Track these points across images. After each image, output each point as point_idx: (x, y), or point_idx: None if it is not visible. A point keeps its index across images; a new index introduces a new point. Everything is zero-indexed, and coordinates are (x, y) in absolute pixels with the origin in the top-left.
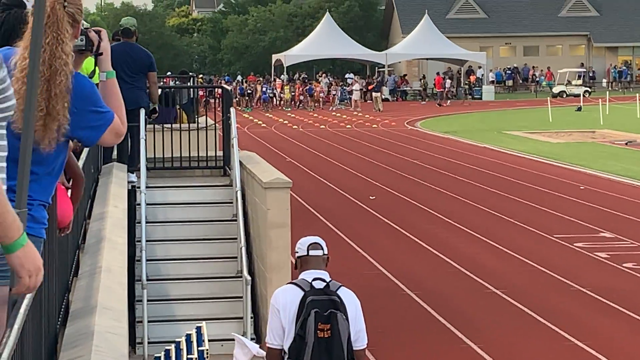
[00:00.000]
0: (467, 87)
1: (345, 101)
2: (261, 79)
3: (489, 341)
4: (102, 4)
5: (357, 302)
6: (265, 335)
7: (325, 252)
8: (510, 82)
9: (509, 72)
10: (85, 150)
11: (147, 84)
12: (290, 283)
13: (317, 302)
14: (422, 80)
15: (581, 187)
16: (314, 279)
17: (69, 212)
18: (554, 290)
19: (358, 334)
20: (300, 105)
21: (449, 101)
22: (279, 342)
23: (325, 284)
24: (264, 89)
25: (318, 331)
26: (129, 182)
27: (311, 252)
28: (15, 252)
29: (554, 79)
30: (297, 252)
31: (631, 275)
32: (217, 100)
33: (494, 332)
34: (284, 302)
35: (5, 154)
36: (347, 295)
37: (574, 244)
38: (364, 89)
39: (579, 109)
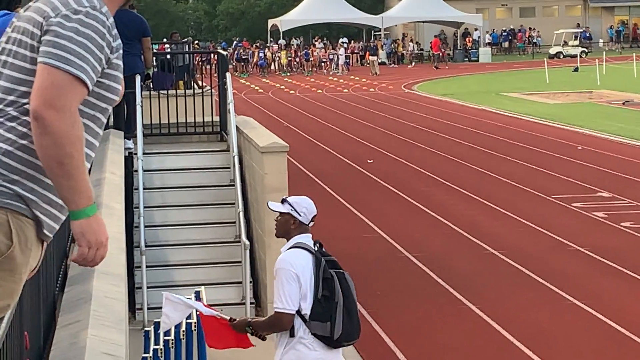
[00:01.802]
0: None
1: (341, 66)
2: (257, 44)
3: (487, 302)
4: None
5: None
6: (267, 300)
7: None
8: (506, 44)
9: (505, 34)
10: None
11: (142, 50)
12: (297, 247)
13: (329, 263)
14: (410, 44)
15: (579, 148)
16: (313, 243)
17: None
18: (552, 251)
19: None
20: (297, 70)
21: (447, 65)
22: (295, 307)
23: (319, 245)
24: (260, 55)
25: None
26: (125, 148)
27: (311, 224)
28: (79, 219)
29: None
30: (300, 216)
31: (629, 234)
32: (212, 66)
33: (492, 293)
34: (301, 266)
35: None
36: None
37: (572, 204)
38: (360, 53)
39: (576, 69)
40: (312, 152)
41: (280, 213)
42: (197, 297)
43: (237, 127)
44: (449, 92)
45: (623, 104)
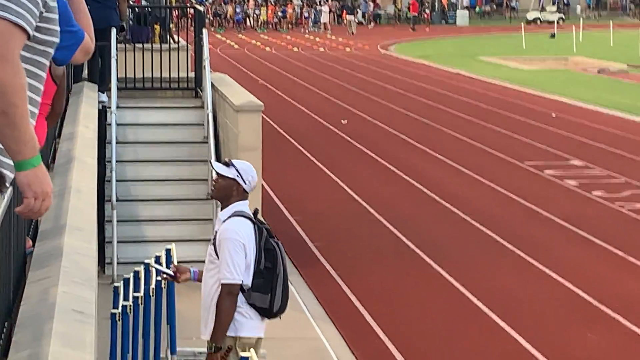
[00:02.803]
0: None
1: (319, 24)
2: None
3: (456, 267)
4: None
5: None
6: None
7: None
8: (487, 8)
9: None
10: None
11: (117, 2)
12: (239, 216)
13: (269, 232)
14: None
15: (553, 115)
16: (252, 212)
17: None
18: (523, 218)
19: None
20: (273, 26)
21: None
22: (241, 277)
23: (256, 212)
24: (237, 10)
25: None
26: (99, 102)
27: (251, 191)
28: (24, 170)
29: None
30: (245, 184)
31: (600, 203)
32: (189, 21)
33: (462, 258)
34: (247, 236)
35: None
36: None
37: (544, 172)
38: (338, 13)
39: (553, 35)
40: (286, 111)
41: (225, 176)
42: (168, 253)
43: (212, 84)
44: (425, 55)
45: (598, 72)
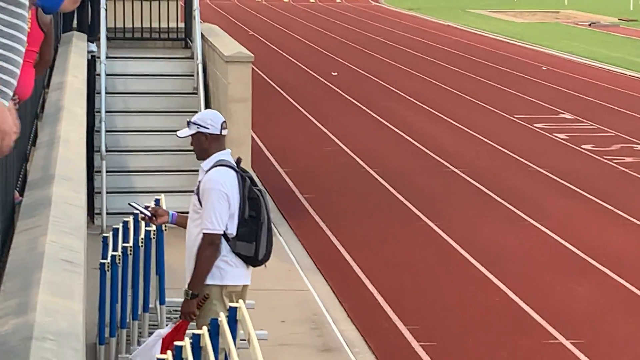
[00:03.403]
0: None
1: None
2: None
3: (446, 219)
4: None
5: None
6: None
7: None
8: None
9: None
10: None
11: None
12: (221, 166)
13: (252, 180)
14: None
15: (543, 68)
16: (235, 160)
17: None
18: (512, 170)
19: None
20: None
21: None
22: (224, 227)
23: (239, 162)
24: None
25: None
26: (88, 52)
27: (223, 132)
28: None
29: None
30: (208, 129)
31: (589, 157)
32: None
33: (451, 211)
34: (230, 185)
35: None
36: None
37: (534, 125)
38: None
39: None
40: (276, 63)
41: (191, 136)
42: (157, 204)
43: (202, 34)
44: (416, 7)
45: (589, 25)
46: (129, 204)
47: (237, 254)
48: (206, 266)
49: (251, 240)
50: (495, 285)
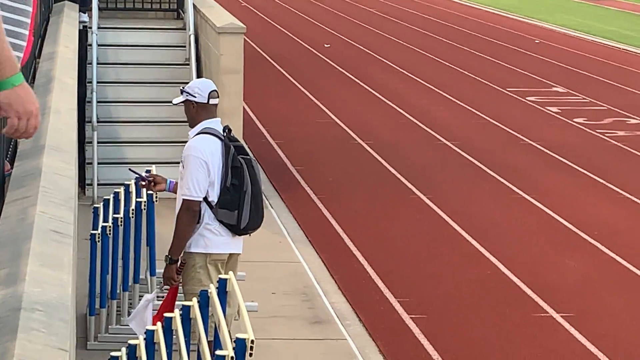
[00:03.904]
0: None
1: None
2: None
3: (438, 192)
4: None
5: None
6: None
7: (219, 98)
8: None
9: None
10: None
11: None
12: (205, 133)
13: (237, 149)
14: None
15: (536, 41)
16: (222, 128)
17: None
18: (504, 144)
19: None
20: None
21: None
22: (203, 194)
23: (228, 130)
24: None
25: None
26: (80, 22)
27: (211, 101)
28: (4, 90)
29: None
30: (195, 97)
31: (581, 130)
32: None
33: (443, 184)
34: (210, 153)
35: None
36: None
37: (527, 98)
38: None
39: None
40: (269, 34)
41: (182, 103)
42: (148, 172)
43: (194, 5)
44: None
45: None
46: (129, 169)
47: (221, 222)
48: (183, 232)
49: (233, 209)
50: (487, 258)
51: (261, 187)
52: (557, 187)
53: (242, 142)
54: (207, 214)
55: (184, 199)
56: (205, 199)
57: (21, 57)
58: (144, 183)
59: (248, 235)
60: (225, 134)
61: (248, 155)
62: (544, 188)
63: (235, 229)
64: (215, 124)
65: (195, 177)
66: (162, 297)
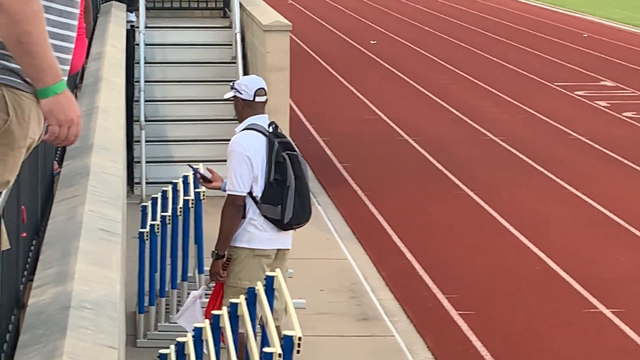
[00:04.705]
0: None
1: None
2: None
3: (485, 188)
4: None
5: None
6: None
7: (267, 96)
8: None
9: None
10: None
11: None
12: (248, 129)
13: (282, 145)
14: None
15: (584, 35)
16: (267, 124)
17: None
18: (553, 139)
19: None
20: None
21: None
22: (247, 190)
23: (274, 126)
24: None
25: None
26: (127, 21)
27: (257, 99)
28: (46, 97)
29: None
30: (242, 94)
31: (631, 124)
32: None
33: (490, 180)
34: (253, 149)
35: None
36: (288, 138)
37: (575, 92)
38: None
39: None
40: (315, 31)
41: (231, 99)
42: (195, 173)
43: (240, 3)
44: None
45: None
46: (188, 165)
47: (265, 217)
48: (228, 226)
49: (276, 203)
50: (535, 253)
51: (308, 183)
52: (606, 181)
53: (289, 138)
54: (251, 209)
55: (228, 194)
56: (250, 194)
57: (67, 70)
58: (201, 180)
59: (293, 230)
60: (271, 130)
61: (295, 151)
62: (592, 182)
63: (280, 224)
64: (262, 120)
65: (238, 172)
66: (209, 294)
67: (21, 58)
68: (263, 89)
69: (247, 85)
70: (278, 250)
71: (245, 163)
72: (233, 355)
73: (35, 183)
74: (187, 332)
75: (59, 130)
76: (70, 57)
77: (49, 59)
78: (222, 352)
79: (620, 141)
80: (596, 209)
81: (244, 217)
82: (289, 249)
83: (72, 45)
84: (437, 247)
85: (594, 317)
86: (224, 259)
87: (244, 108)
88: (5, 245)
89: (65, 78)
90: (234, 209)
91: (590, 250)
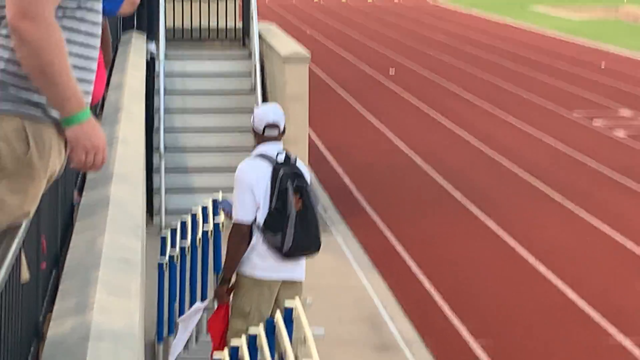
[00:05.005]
0: None
1: None
2: None
3: (503, 217)
4: None
5: (309, 174)
6: None
7: (282, 129)
8: None
9: None
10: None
11: None
12: (257, 157)
13: (288, 175)
14: None
15: (602, 65)
16: (277, 153)
17: (101, 90)
18: (571, 168)
19: None
20: None
21: None
22: (251, 218)
23: (285, 156)
24: None
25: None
26: (148, 51)
27: (267, 133)
28: (71, 125)
29: None
30: (254, 124)
31: None
32: None
33: (509, 208)
34: (256, 177)
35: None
36: (303, 168)
37: (593, 122)
38: None
39: None
40: (334, 61)
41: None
42: (215, 203)
43: (259, 34)
44: (475, 4)
45: None
46: (217, 201)
47: (268, 246)
48: (232, 253)
49: (276, 232)
50: (554, 283)
51: (315, 211)
52: (624, 211)
53: (305, 168)
54: (255, 237)
55: (233, 222)
56: (256, 221)
57: (89, 101)
58: (229, 215)
59: (298, 259)
60: (280, 159)
61: (303, 178)
62: (611, 212)
63: (281, 253)
64: (272, 148)
65: (241, 200)
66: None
67: (45, 88)
68: (274, 124)
69: (260, 118)
70: (287, 281)
71: (247, 190)
72: None
73: (55, 213)
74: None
75: (86, 157)
76: (91, 88)
77: (73, 88)
78: None
79: (639, 171)
80: (615, 239)
81: (249, 243)
82: (300, 280)
83: (93, 77)
84: (456, 275)
85: (613, 347)
86: (230, 283)
87: (257, 136)
88: (25, 276)
89: (89, 99)
90: (238, 236)
91: (608, 279)
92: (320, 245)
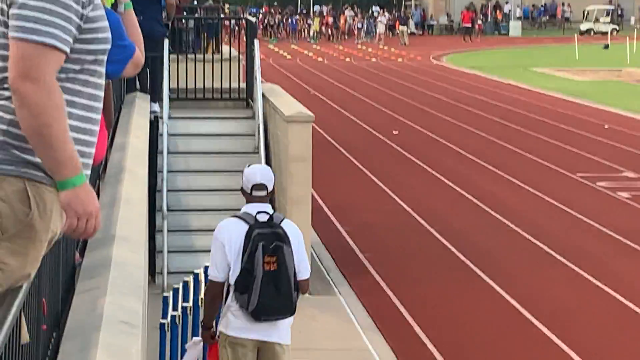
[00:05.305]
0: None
1: (372, 34)
2: (288, 11)
3: (507, 279)
4: None
5: (299, 234)
6: None
7: (270, 189)
8: (544, 18)
9: (542, 7)
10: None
11: (160, 14)
12: (235, 216)
13: (262, 235)
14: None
15: (605, 126)
16: (258, 212)
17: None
18: (574, 230)
19: (300, 265)
20: (327, 36)
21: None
22: (223, 276)
23: (268, 216)
24: (290, 20)
25: (265, 264)
26: (151, 111)
27: (254, 193)
28: (64, 190)
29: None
30: (242, 184)
31: None
32: (241, 32)
33: (512, 270)
34: (228, 236)
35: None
36: (290, 228)
37: (597, 183)
38: (390, 23)
39: (606, 46)
40: (337, 121)
41: None
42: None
43: (263, 94)
44: (478, 65)
45: None
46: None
47: (239, 306)
48: (207, 308)
49: (243, 292)
50: (558, 346)
51: (289, 273)
52: (628, 274)
53: (294, 228)
54: (229, 296)
55: (209, 279)
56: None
57: (90, 163)
58: None
59: (271, 321)
60: (260, 219)
61: (283, 239)
62: (615, 275)
63: (246, 312)
64: (254, 208)
65: (213, 258)
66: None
67: (41, 150)
68: (262, 184)
69: (247, 179)
70: (261, 341)
71: (219, 249)
72: None
73: (56, 274)
74: None
75: (78, 222)
76: (93, 150)
77: (69, 152)
78: None
79: None
80: (619, 300)
81: (225, 302)
82: (279, 342)
83: (95, 139)
84: (459, 338)
85: None
86: (211, 330)
87: (245, 196)
88: (25, 338)
89: (88, 172)
90: (212, 292)
91: (612, 342)
92: (293, 307)
